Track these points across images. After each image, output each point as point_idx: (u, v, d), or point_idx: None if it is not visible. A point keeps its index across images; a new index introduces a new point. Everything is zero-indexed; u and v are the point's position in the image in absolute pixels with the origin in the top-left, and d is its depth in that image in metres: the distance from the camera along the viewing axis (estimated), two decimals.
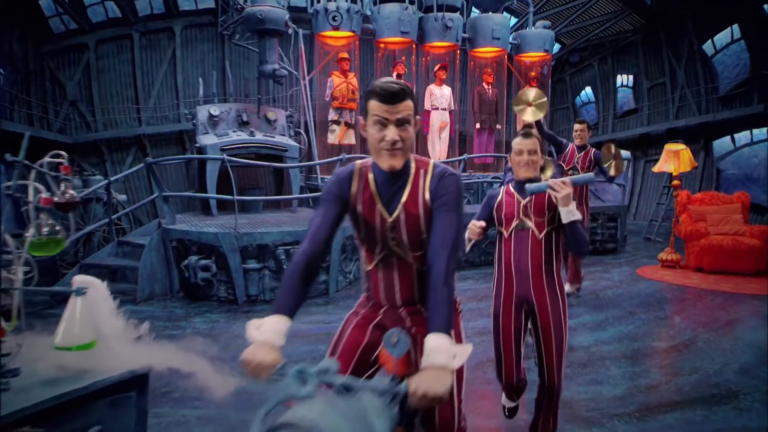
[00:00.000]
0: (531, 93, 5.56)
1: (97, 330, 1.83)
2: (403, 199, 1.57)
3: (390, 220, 1.59)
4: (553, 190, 2.24)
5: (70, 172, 1.92)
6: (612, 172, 5.41)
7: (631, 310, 5.44)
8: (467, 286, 6.52)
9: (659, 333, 4.84)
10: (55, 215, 1.90)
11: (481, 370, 3.77)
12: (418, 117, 1.56)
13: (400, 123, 1.48)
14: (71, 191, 1.91)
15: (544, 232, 2.38)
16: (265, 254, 5.73)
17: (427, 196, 1.56)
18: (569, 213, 2.24)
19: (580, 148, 5.45)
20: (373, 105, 1.49)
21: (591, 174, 2.52)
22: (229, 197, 5.79)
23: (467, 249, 2.52)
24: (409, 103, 1.49)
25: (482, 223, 2.51)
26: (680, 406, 3.25)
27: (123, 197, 8.73)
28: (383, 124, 1.48)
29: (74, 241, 6.95)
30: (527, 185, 2.35)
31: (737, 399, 3.34)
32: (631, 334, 4.69)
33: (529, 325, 2.49)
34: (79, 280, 1.82)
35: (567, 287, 4.77)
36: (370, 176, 1.62)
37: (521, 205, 2.42)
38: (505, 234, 2.45)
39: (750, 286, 6.33)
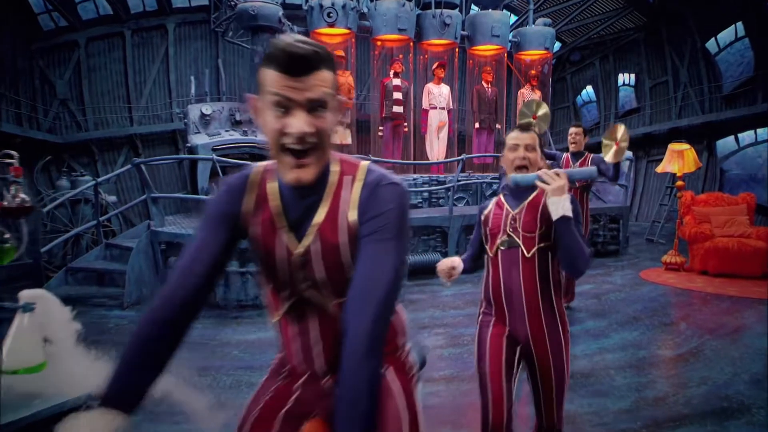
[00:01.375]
0: (535, 105, 5.07)
1: (49, 350, 1.65)
2: (318, 219, 1.06)
3: (298, 251, 1.07)
4: (543, 182, 1.80)
5: (21, 174, 1.74)
6: (608, 158, 4.54)
7: (635, 316, 5.26)
8: (465, 290, 6.33)
9: (665, 340, 4.65)
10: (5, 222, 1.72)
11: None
12: (342, 98, 1.06)
13: (313, 107, 0.97)
14: (22, 195, 1.73)
15: (534, 249, 1.92)
16: (252, 258, 5.55)
17: (354, 215, 1.05)
18: (559, 206, 1.76)
19: (576, 155, 4.70)
20: (271, 77, 0.95)
21: (593, 168, 2.00)
22: None
23: (448, 282, 2.10)
24: (325, 76, 0.97)
25: (453, 263, 2.07)
26: (689, 421, 3.07)
27: (112, 198, 8.53)
28: (285, 107, 0.96)
29: (62, 243, 6.77)
30: (513, 175, 1.94)
31: (750, 412, 3.16)
32: (636, 342, 4.51)
33: (523, 362, 2.05)
34: (27, 294, 1.63)
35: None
36: (271, 186, 1.10)
37: (509, 217, 1.98)
38: (490, 253, 2.01)
39: (756, 290, 6.14)
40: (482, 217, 2.08)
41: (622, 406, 3.28)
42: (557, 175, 1.78)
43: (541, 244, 1.92)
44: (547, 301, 1.96)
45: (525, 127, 2.02)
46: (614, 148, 4.55)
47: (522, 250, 1.93)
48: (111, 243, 6.47)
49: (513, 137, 2.00)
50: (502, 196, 2.08)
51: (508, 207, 2.02)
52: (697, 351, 4.26)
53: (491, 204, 2.10)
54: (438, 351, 4.29)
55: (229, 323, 5.11)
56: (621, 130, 4.60)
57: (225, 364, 4.06)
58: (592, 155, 4.72)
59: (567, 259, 1.83)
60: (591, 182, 4.65)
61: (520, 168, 1.96)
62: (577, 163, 4.66)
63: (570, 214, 1.76)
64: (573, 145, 4.78)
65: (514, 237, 1.95)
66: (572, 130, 4.81)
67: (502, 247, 1.97)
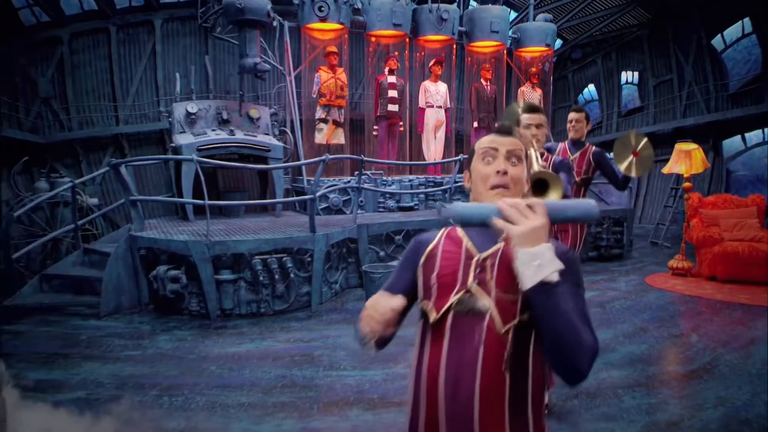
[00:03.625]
0: (520, 109, 4.02)
1: None
2: None
3: None
4: (507, 219, 1.02)
5: None
6: (633, 172, 3.66)
7: (642, 326, 4.96)
8: None
9: (675, 354, 4.34)
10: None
11: None
12: None
13: None
14: None
15: (514, 323, 1.08)
16: (241, 264, 5.25)
17: None
18: (533, 266, 0.98)
19: (576, 144, 3.86)
20: None
21: (589, 203, 1.10)
22: (201, 202, 5.29)
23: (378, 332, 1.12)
24: None
25: (391, 305, 1.10)
26: None
27: (93, 201, 8.20)
28: None
29: (40, 248, 6.45)
30: (452, 205, 1.10)
31: None
32: (645, 356, 4.20)
33: None
34: None
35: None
36: None
37: (473, 262, 1.16)
38: (434, 316, 1.16)
39: None
40: (422, 257, 1.24)
41: (632, 431, 2.97)
42: (530, 209, 1.01)
43: (525, 316, 1.08)
44: (521, 416, 1.10)
45: (506, 130, 1.26)
46: (632, 159, 3.67)
47: (492, 319, 1.09)
48: (89, 248, 6.17)
49: (488, 142, 1.24)
50: (458, 228, 1.25)
51: (471, 245, 1.19)
52: (710, 367, 3.96)
53: (439, 235, 1.26)
54: None
55: (210, 335, 4.80)
56: (633, 136, 3.70)
57: (200, 381, 3.76)
58: (593, 148, 3.89)
59: (554, 351, 1.01)
60: (591, 176, 3.86)
61: (497, 189, 1.18)
62: (577, 154, 3.86)
63: (555, 278, 0.98)
64: (573, 132, 3.93)
65: (481, 296, 1.12)
66: (572, 115, 3.96)
67: (458, 311, 1.13)
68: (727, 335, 4.70)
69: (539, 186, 2.42)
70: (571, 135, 3.96)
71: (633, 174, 3.67)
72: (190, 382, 3.76)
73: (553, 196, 2.35)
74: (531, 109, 3.19)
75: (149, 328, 5.01)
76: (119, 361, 4.18)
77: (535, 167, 2.58)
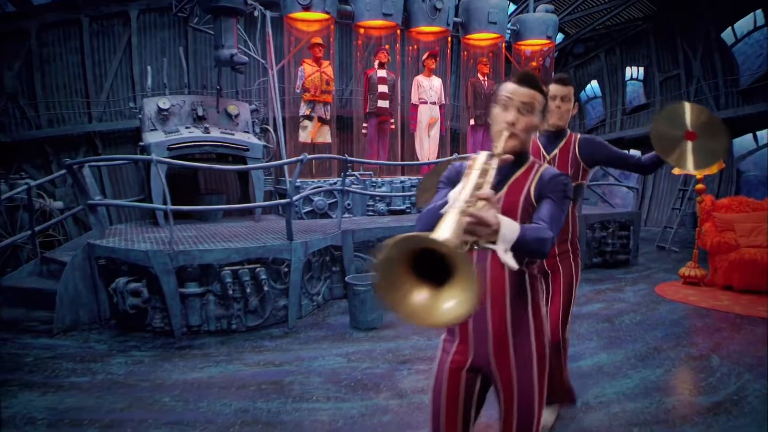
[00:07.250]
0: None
1: None
2: None
3: None
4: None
5: None
6: (689, 166, 2.55)
7: (656, 346, 4.45)
8: None
9: (696, 381, 3.81)
10: None
11: None
12: None
13: None
14: None
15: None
16: (209, 276, 4.73)
17: None
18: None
19: (553, 137, 2.78)
20: None
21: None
22: (162, 207, 4.77)
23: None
24: None
25: None
26: None
27: (58, 204, 7.67)
28: None
29: None
30: None
31: None
32: (661, 383, 3.69)
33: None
34: None
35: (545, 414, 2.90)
36: None
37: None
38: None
39: None
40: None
41: None
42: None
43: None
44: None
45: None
46: (686, 145, 2.47)
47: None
48: (48, 257, 5.64)
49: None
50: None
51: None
52: (738, 398, 3.44)
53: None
54: (417, 397, 3.45)
55: (171, 356, 4.28)
56: (694, 111, 2.52)
57: (148, 416, 3.24)
58: (577, 137, 2.82)
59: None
60: (583, 181, 2.88)
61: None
62: (556, 151, 2.79)
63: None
64: (556, 117, 2.70)
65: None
66: (556, 89, 2.65)
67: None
68: (752, 357, 4.19)
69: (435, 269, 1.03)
70: (552, 120, 2.72)
71: (690, 169, 2.50)
72: (137, 418, 3.24)
73: (451, 302, 1.00)
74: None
75: (105, 347, 4.49)
76: (62, 389, 3.65)
77: (450, 222, 1.12)
